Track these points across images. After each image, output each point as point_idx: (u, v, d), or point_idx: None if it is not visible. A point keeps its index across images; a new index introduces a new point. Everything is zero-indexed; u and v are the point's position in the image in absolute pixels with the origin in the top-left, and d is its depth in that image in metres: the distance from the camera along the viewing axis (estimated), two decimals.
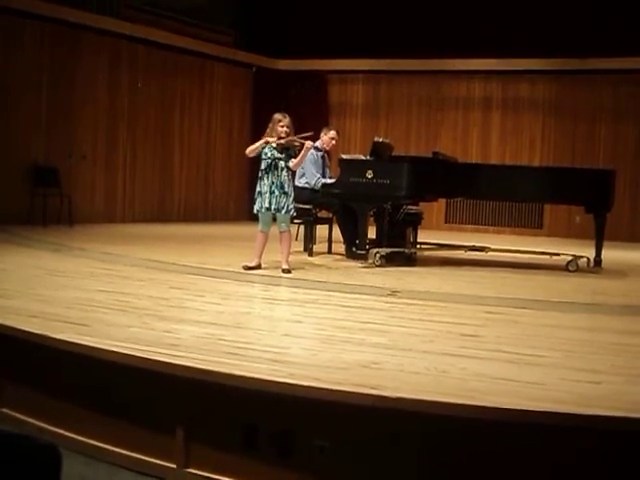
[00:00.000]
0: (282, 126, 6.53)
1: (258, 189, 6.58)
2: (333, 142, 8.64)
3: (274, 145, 6.51)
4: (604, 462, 2.80)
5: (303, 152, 6.61)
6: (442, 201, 12.53)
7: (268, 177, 6.52)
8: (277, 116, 6.61)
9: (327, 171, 8.54)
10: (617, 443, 2.77)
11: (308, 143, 6.60)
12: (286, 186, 6.56)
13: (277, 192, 6.51)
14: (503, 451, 2.89)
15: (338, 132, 8.95)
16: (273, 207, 6.51)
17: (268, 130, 6.59)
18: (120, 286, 5.51)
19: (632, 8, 11.92)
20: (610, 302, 5.90)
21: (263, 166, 6.57)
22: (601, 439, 2.77)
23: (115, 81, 12.14)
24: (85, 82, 11.65)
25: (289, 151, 6.57)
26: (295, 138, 6.56)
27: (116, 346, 3.52)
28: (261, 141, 6.53)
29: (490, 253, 8.37)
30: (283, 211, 6.55)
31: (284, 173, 6.55)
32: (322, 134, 8.60)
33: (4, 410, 3.89)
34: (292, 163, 6.60)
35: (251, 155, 6.68)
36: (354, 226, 7.74)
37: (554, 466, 2.83)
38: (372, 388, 2.97)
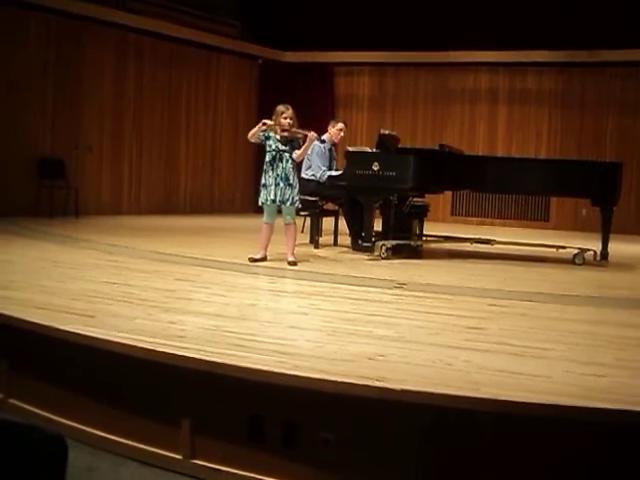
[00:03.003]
0: (285, 118, 6.53)
1: (263, 181, 6.59)
2: (341, 134, 8.62)
3: (278, 137, 6.51)
4: (608, 455, 2.80)
5: (307, 143, 6.61)
6: (448, 193, 12.62)
7: (273, 169, 6.53)
8: (280, 108, 6.60)
9: (334, 164, 8.53)
10: (622, 436, 2.77)
11: (312, 134, 6.59)
12: (291, 178, 6.56)
13: (282, 184, 6.51)
14: (508, 443, 2.89)
15: (346, 124, 8.93)
16: (278, 199, 6.52)
17: (272, 122, 6.59)
18: (126, 278, 5.52)
19: None
20: (616, 295, 5.89)
21: (267, 158, 6.57)
22: (606, 432, 2.77)
23: (121, 73, 12.14)
24: (91, 74, 11.65)
25: (293, 143, 6.58)
26: (298, 130, 6.56)
27: (121, 337, 3.53)
28: (259, 125, 6.52)
29: (496, 246, 8.36)
30: (288, 203, 6.55)
31: (289, 165, 6.55)
32: (330, 127, 8.59)
33: (11, 401, 3.91)
34: (296, 154, 6.60)
35: (252, 140, 6.67)
36: (360, 218, 7.74)
37: (558, 459, 2.83)
38: (377, 380, 2.97)
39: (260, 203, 6.65)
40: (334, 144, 8.62)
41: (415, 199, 8.16)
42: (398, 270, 6.66)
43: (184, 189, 13.42)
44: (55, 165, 10.93)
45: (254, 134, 6.58)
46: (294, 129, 6.53)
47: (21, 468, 1.62)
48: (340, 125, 8.60)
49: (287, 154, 6.54)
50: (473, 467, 2.93)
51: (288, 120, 6.52)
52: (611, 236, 7.69)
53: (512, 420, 2.84)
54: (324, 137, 8.31)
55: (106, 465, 3.40)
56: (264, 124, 6.50)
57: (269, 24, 14.18)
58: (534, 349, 3.67)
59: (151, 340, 3.50)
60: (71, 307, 4.23)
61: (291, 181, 6.56)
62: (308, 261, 6.88)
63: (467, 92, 13.95)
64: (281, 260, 6.64)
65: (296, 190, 6.61)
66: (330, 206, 8.62)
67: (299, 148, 6.60)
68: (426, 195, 8.68)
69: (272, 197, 6.52)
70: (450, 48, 13.12)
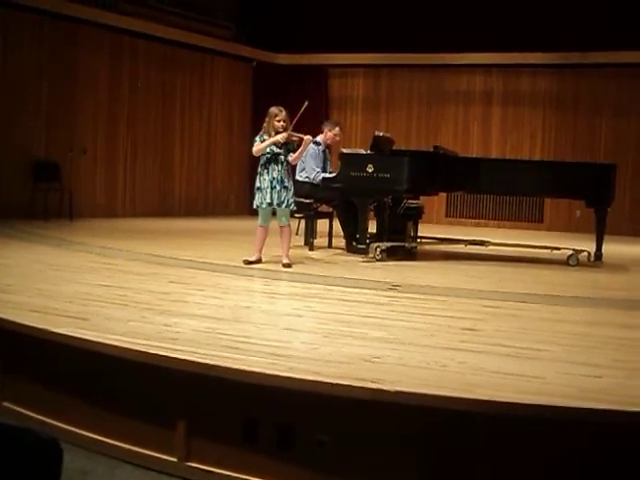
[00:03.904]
0: (279, 120, 6.50)
1: (258, 184, 6.56)
2: (337, 139, 8.62)
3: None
4: (604, 456, 2.80)
5: (303, 146, 6.60)
6: (443, 195, 12.62)
7: (268, 172, 6.51)
8: (273, 110, 6.58)
9: (328, 165, 8.52)
10: (618, 437, 2.77)
11: (307, 137, 6.59)
12: (286, 180, 6.55)
13: (278, 187, 6.49)
14: (503, 445, 2.89)
15: (341, 127, 8.91)
16: (275, 202, 6.50)
17: (265, 125, 6.56)
18: (120, 280, 5.51)
19: (634, 1, 11.88)
20: (611, 296, 5.89)
21: (262, 161, 6.55)
22: (602, 433, 2.77)
23: (115, 76, 12.12)
24: (85, 77, 11.63)
25: (288, 145, 6.56)
26: (294, 133, 6.55)
27: (116, 340, 3.52)
28: (270, 140, 6.46)
29: (490, 247, 8.37)
30: (284, 205, 6.54)
31: (284, 167, 6.54)
32: (326, 130, 8.56)
33: (5, 404, 3.90)
34: (291, 157, 6.59)
35: (259, 155, 6.60)
36: (354, 220, 7.74)
37: (554, 459, 2.83)
38: (372, 382, 2.97)
39: (255, 206, 6.62)
40: (328, 146, 8.61)
41: (409, 201, 8.16)
42: (392, 272, 6.67)
43: (179, 191, 13.40)
44: (50, 168, 10.90)
45: (263, 149, 6.47)
46: (289, 132, 6.51)
47: (15, 472, 1.62)
48: (337, 130, 8.58)
49: (282, 156, 6.52)
50: (468, 468, 2.93)
51: (282, 123, 6.50)
52: (605, 237, 7.71)
53: (507, 421, 2.84)
54: (318, 139, 8.30)
55: (101, 468, 3.39)
56: (277, 142, 6.43)
57: (263, 26, 14.18)
58: (529, 350, 3.67)
59: (145, 342, 3.49)
60: (65, 310, 4.22)
61: (286, 183, 6.55)
62: (303, 263, 6.88)
63: (461, 94, 13.97)
64: (276, 262, 6.64)
65: (291, 192, 6.60)
66: (324, 208, 8.62)
67: (294, 150, 6.59)
68: (420, 197, 8.68)
69: (268, 200, 6.50)
70: (444, 50, 13.14)
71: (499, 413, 2.83)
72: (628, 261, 8.43)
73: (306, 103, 6.54)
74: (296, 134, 6.55)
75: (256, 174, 6.64)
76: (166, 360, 3.31)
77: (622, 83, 12.86)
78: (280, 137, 6.42)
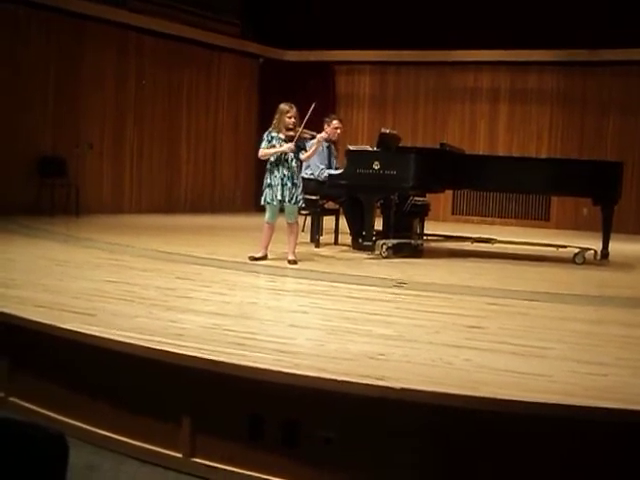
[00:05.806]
0: (290, 117, 6.49)
1: (268, 181, 6.53)
2: (338, 131, 8.60)
3: (282, 137, 6.49)
4: (610, 454, 2.80)
5: (316, 145, 6.61)
6: (449, 192, 12.61)
7: (279, 169, 6.49)
8: (284, 107, 6.56)
9: (334, 161, 8.51)
10: (623, 435, 2.77)
11: (320, 136, 6.60)
12: (296, 177, 6.56)
13: (289, 184, 6.48)
14: (508, 443, 2.89)
15: (341, 120, 8.89)
16: (286, 199, 6.49)
17: (275, 121, 6.55)
18: (127, 276, 5.52)
19: None
20: (617, 295, 5.88)
21: (272, 158, 6.53)
22: (607, 431, 2.77)
23: (122, 72, 12.13)
24: (92, 73, 11.65)
25: (299, 143, 6.55)
26: (306, 130, 6.55)
27: (122, 336, 3.53)
28: (277, 149, 6.43)
29: (496, 245, 8.35)
30: (293, 202, 6.52)
31: (294, 165, 6.54)
32: (325, 125, 8.55)
33: (12, 399, 3.92)
34: (303, 155, 6.60)
35: (264, 159, 6.62)
36: (361, 217, 7.73)
37: (559, 458, 2.83)
38: (377, 379, 2.97)
39: (265, 202, 6.56)
40: (333, 142, 8.60)
41: (416, 198, 8.16)
42: (398, 269, 6.66)
43: (185, 187, 13.42)
44: (56, 163, 10.92)
45: (271, 154, 6.47)
46: (301, 130, 6.50)
47: (22, 466, 1.62)
48: (335, 123, 8.55)
49: (292, 154, 6.51)
50: (473, 466, 2.93)
51: (293, 119, 6.49)
52: (612, 235, 7.69)
53: (512, 419, 2.84)
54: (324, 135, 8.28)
55: (107, 463, 3.40)
56: (285, 153, 6.43)
57: (270, 23, 14.17)
58: (534, 348, 3.67)
59: (151, 338, 3.50)
60: (72, 305, 4.23)
61: (296, 180, 6.55)
62: (309, 260, 6.88)
63: (468, 91, 13.95)
64: (281, 259, 6.64)
65: (300, 189, 6.59)
66: (331, 205, 8.61)
67: (304, 148, 6.60)
68: (427, 194, 8.68)
69: (279, 197, 6.47)
70: (451, 47, 13.12)
71: (504, 411, 2.83)
72: (634, 259, 8.41)
73: (314, 104, 6.55)
74: (309, 132, 6.56)
75: (265, 171, 6.61)
76: (172, 356, 3.32)
77: (630, 81, 12.82)
78: (287, 148, 6.42)
